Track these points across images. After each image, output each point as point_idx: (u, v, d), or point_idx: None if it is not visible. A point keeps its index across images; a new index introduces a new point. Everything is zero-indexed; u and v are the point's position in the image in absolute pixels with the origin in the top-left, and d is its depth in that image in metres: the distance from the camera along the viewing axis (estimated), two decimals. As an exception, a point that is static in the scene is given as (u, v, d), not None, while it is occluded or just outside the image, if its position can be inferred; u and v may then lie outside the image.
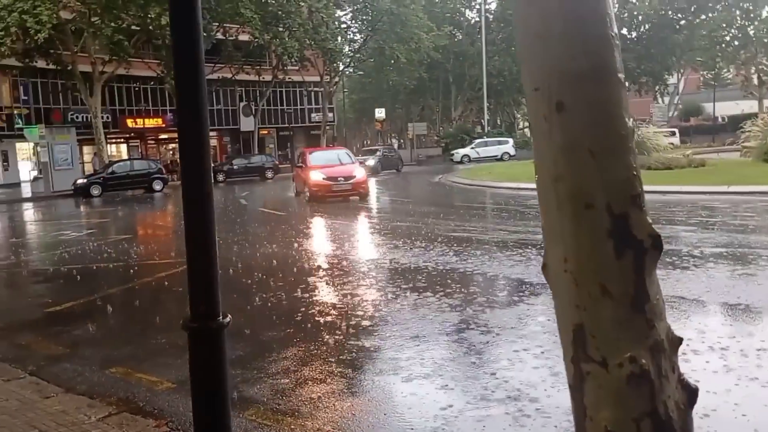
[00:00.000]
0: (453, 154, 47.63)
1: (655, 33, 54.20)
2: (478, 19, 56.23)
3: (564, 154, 1.54)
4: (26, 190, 35.00)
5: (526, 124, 68.69)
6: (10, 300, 9.13)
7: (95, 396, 4.93)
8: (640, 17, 54.29)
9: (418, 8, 45.95)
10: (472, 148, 47.60)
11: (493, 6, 58.99)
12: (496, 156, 45.83)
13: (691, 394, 1.61)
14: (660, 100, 62.69)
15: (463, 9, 59.86)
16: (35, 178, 34.62)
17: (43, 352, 6.24)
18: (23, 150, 40.88)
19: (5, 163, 40.94)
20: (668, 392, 1.56)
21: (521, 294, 7.55)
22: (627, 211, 1.53)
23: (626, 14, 54.41)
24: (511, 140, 48.86)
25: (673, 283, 7.49)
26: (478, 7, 57.09)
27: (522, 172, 25.23)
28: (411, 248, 11.08)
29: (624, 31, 56.23)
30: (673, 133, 43.64)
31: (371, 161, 36.98)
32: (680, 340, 1.62)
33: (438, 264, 9.60)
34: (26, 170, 40.62)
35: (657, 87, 59.70)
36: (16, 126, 38.01)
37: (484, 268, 9.15)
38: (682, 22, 54.49)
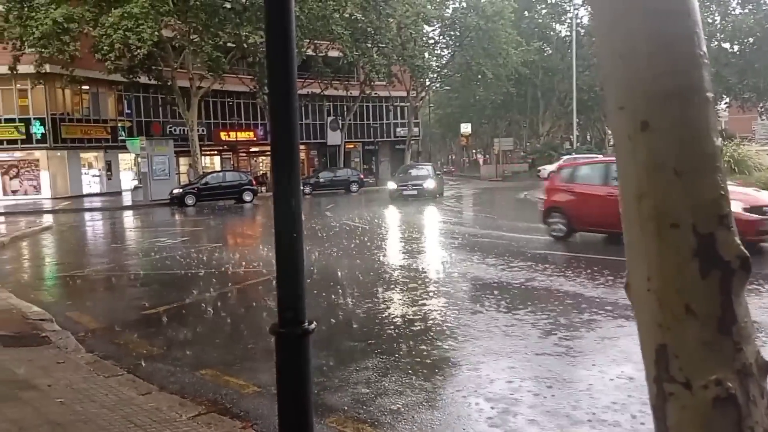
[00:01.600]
0: (540, 170, 46.79)
1: (760, 46, 51.46)
2: (568, 33, 55.25)
3: (648, 173, 1.54)
4: (127, 199, 36.95)
5: (617, 140, 66.60)
6: (111, 302, 9.68)
7: (186, 395, 5.17)
8: (743, 30, 51.71)
9: (506, 24, 45.62)
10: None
11: (585, 20, 57.83)
12: (585, 173, 44.72)
13: (780, 421, 1.56)
14: (764, 117, 59.39)
15: (553, 23, 58.93)
16: (135, 187, 36.49)
17: (140, 352, 6.60)
18: (125, 160, 43.22)
19: (109, 173, 43.40)
20: (756, 418, 1.51)
21: (602, 314, 7.35)
22: (713, 231, 1.51)
23: (729, 27, 52.03)
24: (600, 157, 47.52)
25: (773, 309, 7.11)
26: (569, 21, 56.12)
27: (611, 190, 24.54)
28: (497, 265, 10.99)
29: (726, 45, 53.76)
30: (777, 152, 41.16)
31: (429, 183, 29.63)
32: (770, 365, 1.58)
33: (524, 282, 9.49)
34: (127, 180, 42.91)
35: (761, 103, 56.62)
36: (120, 138, 40.34)
37: (566, 287, 8.98)
38: (790, 35, 51.54)
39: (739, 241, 1.55)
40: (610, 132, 60.64)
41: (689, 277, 1.52)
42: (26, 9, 28.84)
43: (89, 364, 5.95)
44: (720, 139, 1.57)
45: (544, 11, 58.30)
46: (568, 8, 57.01)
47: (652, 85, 1.53)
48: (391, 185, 30.17)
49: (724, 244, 1.52)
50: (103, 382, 5.40)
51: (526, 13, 56.09)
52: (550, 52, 57.80)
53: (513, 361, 5.86)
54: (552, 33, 58.68)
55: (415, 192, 28.86)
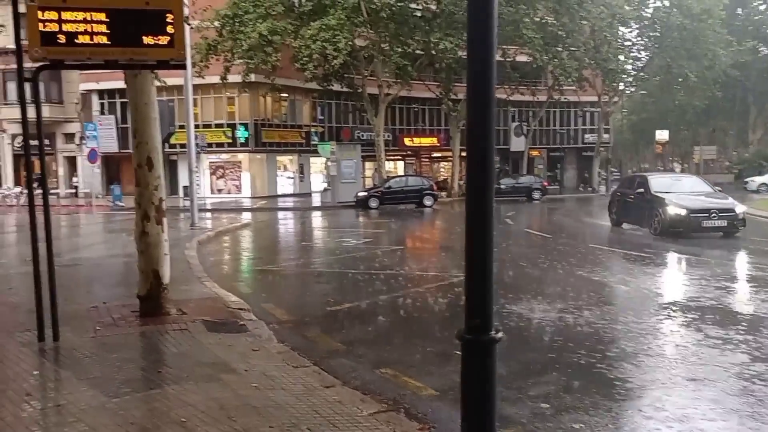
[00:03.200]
0: (747, 182, 42.51)
1: None
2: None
3: None
4: (316, 200, 39.19)
5: None
6: (300, 297, 10.26)
7: (367, 392, 5.31)
8: None
9: (715, 22, 41.94)
10: (774, 176, 41.96)
11: (809, 15, 51.58)
12: (804, 187, 39.80)
13: None
14: None
15: (771, 20, 53.18)
16: (324, 189, 38.60)
17: (325, 346, 6.91)
18: (316, 164, 45.89)
19: (301, 175, 46.34)
20: None
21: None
22: None
23: None
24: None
25: None
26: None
27: (836, 207, 21.63)
28: (691, 284, 10.13)
29: None
30: None
31: (740, 208, 17.14)
32: None
33: (723, 303, 8.64)
34: (317, 182, 45.51)
35: None
36: (312, 142, 42.93)
37: (781, 314, 8.01)
38: None
39: None
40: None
41: None
42: (237, 24, 31.69)
43: (280, 354, 6.33)
44: None
45: (762, 7, 52.82)
46: (789, 2, 51.21)
47: None
48: (676, 210, 16.67)
49: None
50: (291, 371, 5.71)
51: (739, 10, 51.18)
52: (767, 51, 52.19)
53: (712, 390, 5.33)
54: (769, 31, 53.04)
55: (723, 223, 16.60)
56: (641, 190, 18.47)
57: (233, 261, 15.45)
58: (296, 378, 5.52)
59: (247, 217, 28.57)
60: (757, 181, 42.00)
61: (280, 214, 31.23)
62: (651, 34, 45.17)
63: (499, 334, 2.46)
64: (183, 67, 6.72)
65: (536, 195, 39.21)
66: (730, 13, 47.53)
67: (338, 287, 10.89)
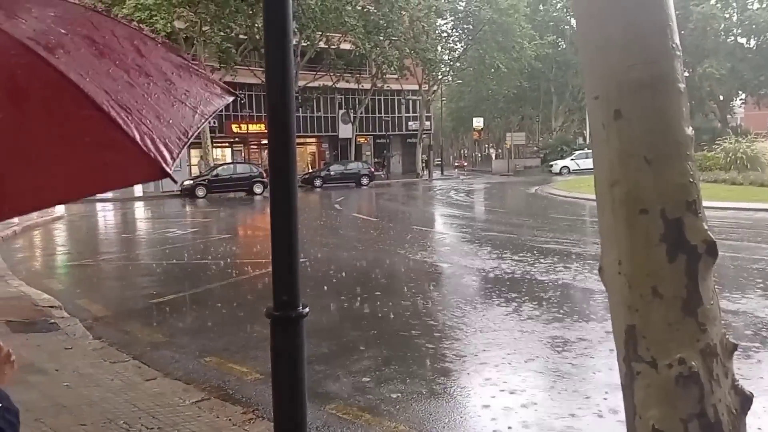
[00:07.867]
0: (551, 165, 46.71)
1: (776, 42, 50.93)
2: (582, 27, 54.93)
3: (620, 160, 1.59)
4: (138, 190, 37.14)
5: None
6: (119, 290, 9.80)
7: (190, 382, 5.26)
8: (760, 25, 51.12)
9: (521, 17, 45.47)
10: (572, 159, 46.50)
11: (599, 14, 57.35)
12: (596, 168, 44.59)
13: (745, 400, 1.61)
14: (780, 113, 58.76)
15: (568, 17, 58.59)
16: (147, 179, 36.68)
17: (146, 339, 6.70)
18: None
19: (121, 164, 43.64)
20: (719, 396, 1.57)
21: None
22: (681, 217, 1.56)
23: (746, 22, 51.45)
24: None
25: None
26: (582, 15, 55.78)
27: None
28: (502, 258, 11.03)
29: (742, 40, 53.22)
30: (793, 149, 40.65)
31: None
32: (735, 347, 1.62)
33: (531, 275, 9.53)
34: (140, 171, 43.08)
35: (777, 99, 56.04)
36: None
37: (576, 282, 9.00)
38: (808, 30, 50.85)
39: (706, 227, 1.59)
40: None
41: (657, 261, 1.57)
42: None
43: (96, 351, 6.06)
44: (690, 128, 1.61)
45: (559, 5, 58.00)
46: (582, 2, 56.62)
47: (625, 75, 1.58)
48: None
49: (691, 229, 1.57)
50: (109, 367, 5.50)
51: (540, 6, 55.85)
52: (564, 46, 57.47)
53: (521, 355, 5.92)
54: (566, 27, 58.33)
55: None
56: None
57: (44, 257, 14.31)
58: (114, 373, 5.33)
59: (59, 209, 26.43)
60: (559, 164, 46.29)
61: (99, 206, 29.20)
62: (465, 26, 47.93)
63: (306, 309, 2.59)
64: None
65: (365, 181, 40.21)
66: (533, 9, 51.76)
67: (161, 279, 10.53)
